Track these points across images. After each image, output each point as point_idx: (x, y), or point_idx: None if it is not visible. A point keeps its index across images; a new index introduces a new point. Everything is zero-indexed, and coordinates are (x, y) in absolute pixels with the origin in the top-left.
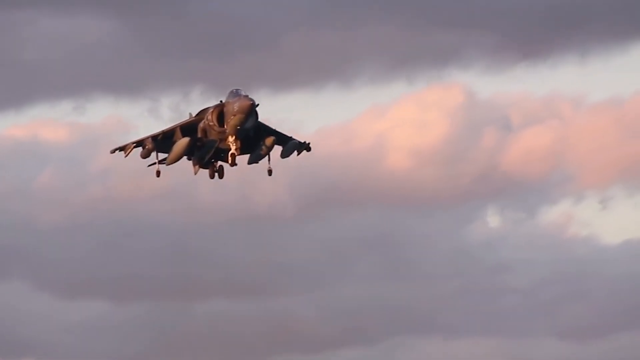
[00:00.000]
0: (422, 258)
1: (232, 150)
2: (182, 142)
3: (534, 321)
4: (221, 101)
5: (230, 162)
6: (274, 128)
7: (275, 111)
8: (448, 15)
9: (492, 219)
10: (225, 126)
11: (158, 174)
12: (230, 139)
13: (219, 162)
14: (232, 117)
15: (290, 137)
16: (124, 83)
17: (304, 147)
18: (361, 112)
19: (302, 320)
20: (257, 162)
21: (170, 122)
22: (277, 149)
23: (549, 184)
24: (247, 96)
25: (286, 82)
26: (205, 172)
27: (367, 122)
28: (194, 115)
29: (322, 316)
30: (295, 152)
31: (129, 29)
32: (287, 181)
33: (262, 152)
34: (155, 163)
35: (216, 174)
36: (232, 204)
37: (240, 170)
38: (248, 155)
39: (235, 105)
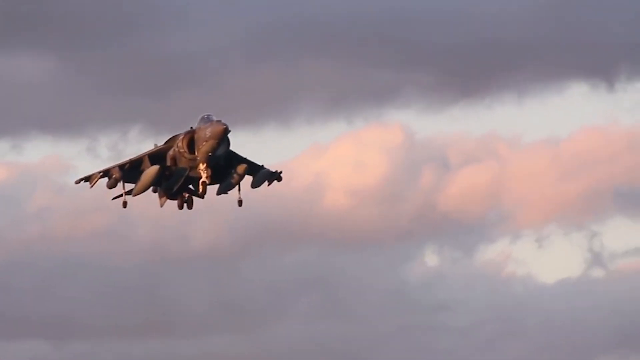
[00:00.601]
0: (360, 298)
1: (203, 178)
2: (151, 171)
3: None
4: (191, 127)
5: (200, 190)
6: (244, 157)
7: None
8: (387, 55)
9: (430, 259)
10: (196, 153)
11: (125, 204)
12: (201, 166)
13: (187, 193)
14: (203, 143)
15: (262, 166)
16: (62, 122)
17: (275, 176)
18: (300, 152)
19: None
20: (227, 193)
21: (110, 162)
22: (247, 180)
23: (486, 224)
24: (219, 121)
25: (224, 120)
26: (171, 204)
27: (306, 162)
28: (159, 144)
29: (260, 356)
30: (266, 182)
31: (67, 67)
32: (225, 220)
33: (233, 181)
34: (121, 195)
35: (185, 205)
36: (169, 242)
37: (208, 202)
38: (217, 186)
39: (208, 131)
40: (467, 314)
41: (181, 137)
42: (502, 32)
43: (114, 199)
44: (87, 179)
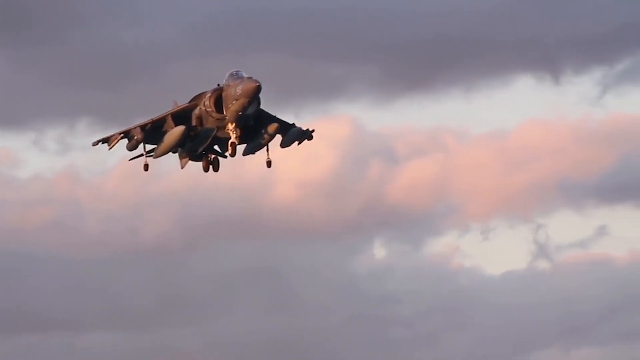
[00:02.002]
0: (308, 290)
1: (232, 139)
2: (177, 131)
3: (419, 352)
4: (219, 85)
5: (230, 151)
6: (274, 115)
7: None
8: (335, 48)
9: (378, 251)
10: (224, 112)
11: (146, 167)
12: (230, 126)
13: (212, 154)
14: (233, 101)
15: (292, 125)
16: (9, 116)
17: (307, 135)
18: None
19: (188, 353)
20: (254, 153)
21: (57, 155)
22: (277, 139)
23: (434, 216)
24: (251, 78)
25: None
26: (193, 165)
27: (256, 155)
28: (178, 103)
29: (208, 349)
30: (296, 142)
31: (13, 61)
32: (174, 213)
33: (262, 141)
34: (140, 156)
35: (211, 167)
36: (116, 236)
37: (235, 163)
38: (244, 146)
39: (239, 89)
40: (414, 306)
41: (208, 95)
42: (449, 26)
43: (131, 159)
44: (106, 140)
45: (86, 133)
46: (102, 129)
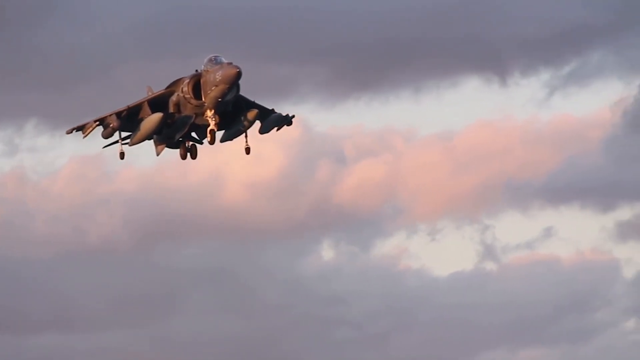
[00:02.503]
0: (257, 291)
1: (212, 126)
2: (154, 118)
3: (368, 352)
4: (197, 70)
5: (209, 138)
6: (253, 100)
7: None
8: (284, 49)
9: (326, 252)
10: (203, 99)
11: (122, 155)
12: (209, 113)
13: (190, 141)
14: (212, 88)
15: (272, 110)
16: None
17: (287, 120)
18: (198, 146)
19: (138, 354)
20: (232, 140)
21: (4, 157)
22: (255, 125)
23: (382, 217)
24: (231, 63)
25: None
26: (170, 153)
27: (204, 156)
28: (153, 90)
29: (158, 350)
30: (275, 128)
31: None
32: (123, 214)
33: (242, 128)
34: (114, 143)
35: (188, 154)
36: (62, 235)
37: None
38: (222, 133)
39: (218, 75)
40: (362, 307)
41: (186, 81)
42: (398, 27)
43: (105, 147)
44: (80, 128)
45: (34, 134)
46: (50, 130)
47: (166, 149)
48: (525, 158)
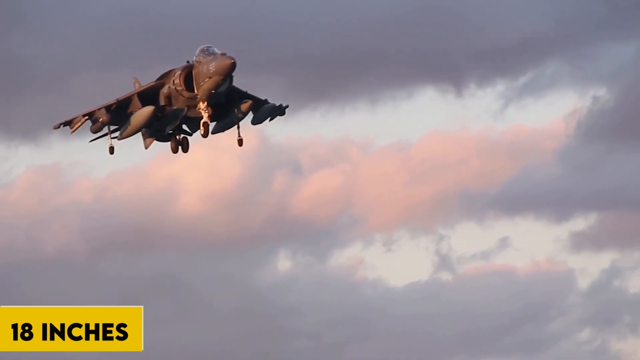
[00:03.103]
0: (212, 301)
1: (205, 119)
2: (145, 112)
3: None
4: (188, 61)
5: (202, 132)
6: (245, 90)
7: (68, 154)
8: (239, 59)
9: (282, 262)
10: (195, 91)
11: (112, 150)
12: (202, 105)
13: (181, 134)
14: (206, 79)
15: (265, 100)
16: None
17: (280, 110)
18: (153, 156)
19: None
20: (224, 131)
21: None
22: (248, 116)
23: (339, 227)
24: (225, 54)
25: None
26: (159, 146)
27: (159, 166)
28: (140, 81)
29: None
30: (269, 119)
31: None
32: (78, 224)
33: (235, 120)
34: (102, 136)
35: (179, 147)
36: (21, 246)
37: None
38: (213, 125)
39: (212, 66)
40: (318, 317)
41: (178, 72)
42: (354, 37)
43: (92, 141)
44: (68, 123)
45: None
46: (4, 141)
47: (155, 142)
48: (481, 169)
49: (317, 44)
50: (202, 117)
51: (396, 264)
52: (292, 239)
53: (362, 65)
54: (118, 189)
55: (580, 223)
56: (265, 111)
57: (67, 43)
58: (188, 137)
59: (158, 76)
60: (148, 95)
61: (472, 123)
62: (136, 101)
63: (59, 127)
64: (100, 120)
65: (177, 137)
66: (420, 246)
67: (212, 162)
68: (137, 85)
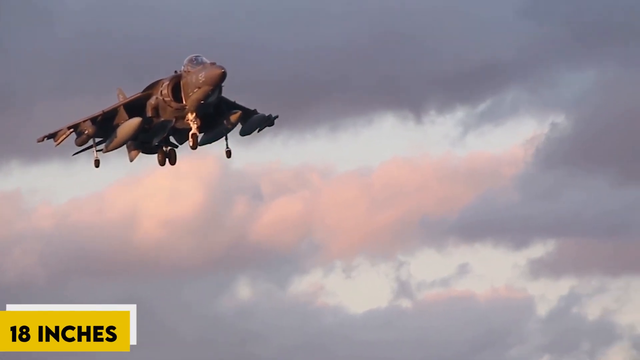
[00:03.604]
0: (173, 328)
1: (193, 130)
2: (132, 124)
3: None
4: (176, 71)
5: (191, 143)
6: (234, 101)
7: (28, 180)
8: None
9: (243, 289)
10: (184, 101)
11: (97, 163)
12: (190, 116)
13: (168, 146)
14: (195, 90)
15: (254, 111)
16: None
17: (269, 121)
18: (114, 182)
19: None
20: (212, 143)
21: None
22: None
23: (299, 254)
24: (214, 63)
25: (37, 152)
26: (145, 159)
27: (120, 192)
28: (124, 92)
29: None
30: (257, 129)
31: None
32: (38, 250)
33: (224, 131)
34: (86, 149)
35: (167, 160)
36: None
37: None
38: (201, 136)
39: (201, 76)
40: (279, 344)
41: (165, 83)
42: (314, 63)
43: (75, 154)
44: (52, 136)
45: None
46: None
47: (142, 154)
48: (441, 195)
49: (278, 70)
50: (190, 129)
51: (356, 291)
52: (252, 266)
53: (322, 92)
54: (78, 215)
55: (539, 250)
56: (254, 122)
57: (24, 68)
58: (175, 149)
59: (144, 87)
60: (134, 107)
61: (432, 149)
62: (122, 113)
63: (42, 140)
64: (85, 132)
65: (165, 149)
66: (380, 273)
67: (172, 188)
68: (121, 96)
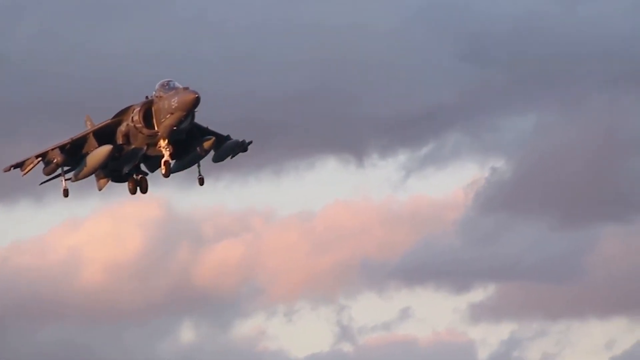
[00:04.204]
0: None
1: (166, 157)
2: (102, 151)
3: None
4: (147, 97)
5: (164, 171)
6: (206, 126)
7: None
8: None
9: (185, 333)
10: (156, 128)
11: (66, 192)
12: (163, 143)
13: (139, 174)
14: (167, 115)
15: (227, 136)
16: None
17: (243, 147)
18: (55, 225)
19: None
20: (183, 170)
21: None
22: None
23: (241, 298)
24: (187, 88)
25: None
26: (115, 187)
27: (62, 236)
28: (93, 120)
29: None
30: (230, 156)
31: None
32: None
33: (196, 157)
34: (53, 178)
35: (138, 188)
36: None
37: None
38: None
39: (174, 101)
40: None
41: (136, 109)
42: (256, 107)
43: (42, 183)
44: (19, 165)
45: None
46: None
47: (111, 183)
48: (382, 239)
49: (220, 114)
50: (162, 156)
51: (298, 335)
52: (195, 310)
53: (265, 135)
54: (19, 258)
55: (479, 294)
56: (227, 148)
57: None
58: (146, 177)
59: (114, 113)
60: (104, 134)
61: (374, 193)
62: (92, 140)
63: (9, 170)
64: (54, 161)
65: (136, 177)
66: (321, 316)
67: (115, 232)
68: (89, 123)
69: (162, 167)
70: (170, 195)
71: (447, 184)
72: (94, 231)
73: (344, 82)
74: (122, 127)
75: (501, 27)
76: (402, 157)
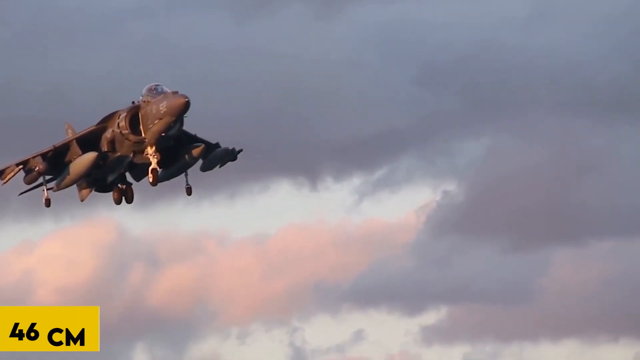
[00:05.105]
0: None
1: (153, 165)
2: (86, 159)
3: None
4: (134, 102)
5: (151, 180)
6: (194, 133)
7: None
8: None
9: (138, 357)
10: (143, 134)
11: (48, 202)
12: (150, 150)
13: (123, 184)
14: (155, 121)
15: (217, 144)
16: None
17: (232, 155)
18: (7, 248)
19: None
20: (170, 179)
21: None
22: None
23: (194, 321)
24: (177, 92)
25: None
26: (99, 197)
27: (14, 258)
28: (74, 127)
29: None
30: (219, 165)
31: None
32: None
33: (183, 166)
34: (37, 187)
35: (123, 198)
36: None
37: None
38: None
39: (163, 106)
40: None
41: (122, 114)
42: (208, 130)
43: (22, 193)
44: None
45: None
46: None
47: (94, 193)
48: (336, 262)
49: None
50: (149, 164)
51: (251, 357)
52: (147, 333)
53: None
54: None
55: (432, 316)
56: (217, 156)
57: None
58: (131, 186)
59: (99, 119)
60: (88, 141)
61: (328, 216)
62: (75, 148)
63: None
64: (35, 169)
65: (121, 186)
66: (275, 339)
67: (67, 254)
68: (70, 131)
69: (150, 175)
70: (123, 219)
71: (401, 208)
72: (47, 254)
73: (298, 105)
74: (107, 134)
75: (455, 53)
76: (356, 180)
